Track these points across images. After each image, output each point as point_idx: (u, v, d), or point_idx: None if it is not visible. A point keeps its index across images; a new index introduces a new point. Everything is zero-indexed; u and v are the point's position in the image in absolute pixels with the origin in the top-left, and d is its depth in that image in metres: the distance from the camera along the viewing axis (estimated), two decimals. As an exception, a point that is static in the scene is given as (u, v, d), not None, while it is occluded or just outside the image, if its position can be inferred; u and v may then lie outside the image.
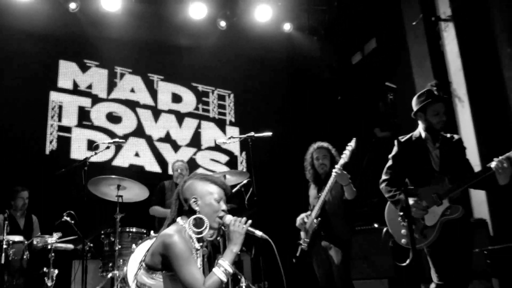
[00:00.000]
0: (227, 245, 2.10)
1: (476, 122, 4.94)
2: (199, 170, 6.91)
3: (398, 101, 2.72)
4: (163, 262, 1.99)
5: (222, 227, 2.14)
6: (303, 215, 4.32)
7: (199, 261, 2.12)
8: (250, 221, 2.13)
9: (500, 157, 2.86)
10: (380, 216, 4.79)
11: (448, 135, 3.31)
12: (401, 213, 3.17)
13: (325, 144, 4.36)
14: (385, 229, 3.44)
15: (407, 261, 3.48)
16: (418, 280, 2.50)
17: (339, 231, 4.07)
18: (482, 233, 4.37)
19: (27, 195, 4.99)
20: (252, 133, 4.99)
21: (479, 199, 4.84)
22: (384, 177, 3.35)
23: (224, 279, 2.00)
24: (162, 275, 1.98)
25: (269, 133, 4.97)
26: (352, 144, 4.03)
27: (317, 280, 4.32)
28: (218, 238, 4.21)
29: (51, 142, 6.25)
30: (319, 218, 4.13)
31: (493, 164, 2.87)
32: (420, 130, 3.29)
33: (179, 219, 2.11)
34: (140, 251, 4.25)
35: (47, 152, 6.19)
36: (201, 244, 2.12)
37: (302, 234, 4.30)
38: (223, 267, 2.01)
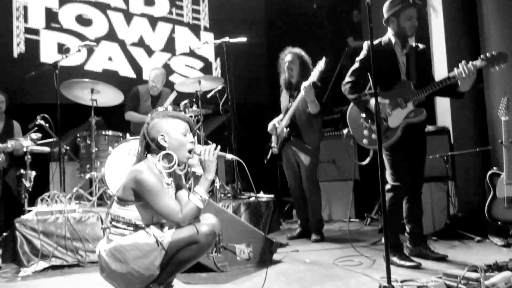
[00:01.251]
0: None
1: (447, 32, 5.00)
2: (173, 78, 6.89)
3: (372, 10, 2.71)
4: (135, 195, 2.04)
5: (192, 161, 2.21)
6: (274, 120, 4.48)
7: (172, 193, 2.17)
8: (219, 147, 2.19)
9: (466, 63, 2.96)
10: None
11: (414, 44, 3.37)
12: (364, 115, 3.31)
13: (296, 50, 4.37)
14: (345, 130, 3.58)
15: (367, 160, 3.72)
16: (382, 182, 2.70)
17: (307, 139, 4.26)
18: (444, 140, 4.61)
19: (3, 99, 4.89)
20: (226, 39, 4.97)
21: (442, 108, 5.05)
22: (348, 79, 3.39)
23: (201, 205, 2.08)
24: (135, 205, 2.05)
25: (244, 39, 4.96)
26: (321, 64, 4.08)
27: (286, 180, 4.60)
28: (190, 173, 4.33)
29: (18, 44, 6.04)
30: (288, 128, 4.30)
31: (456, 71, 2.98)
32: (390, 35, 3.32)
33: (149, 156, 2.15)
34: (117, 153, 4.38)
35: (16, 55, 6.01)
36: (171, 179, 2.18)
37: (273, 138, 4.50)
38: (199, 194, 2.08)
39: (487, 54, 2.97)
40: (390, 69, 3.24)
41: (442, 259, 3.22)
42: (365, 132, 3.30)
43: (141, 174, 2.02)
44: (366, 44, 3.35)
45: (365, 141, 3.31)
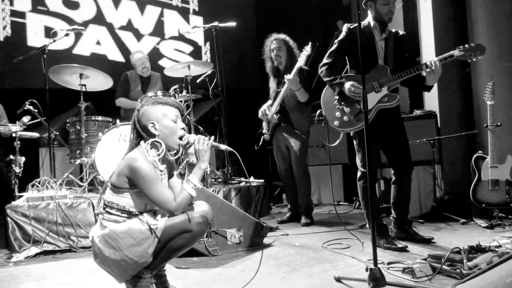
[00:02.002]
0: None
1: (436, 18, 5.02)
2: (161, 61, 6.85)
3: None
4: (130, 183, 2.05)
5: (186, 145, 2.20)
6: (264, 106, 4.50)
7: (165, 181, 2.18)
8: (213, 137, 2.20)
9: (435, 59, 3.04)
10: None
11: (394, 30, 3.39)
12: (337, 97, 3.33)
13: (282, 36, 4.35)
14: (318, 111, 3.62)
15: (336, 142, 3.78)
16: (369, 166, 2.76)
17: (297, 125, 4.29)
18: (431, 124, 4.67)
19: None
20: (216, 23, 4.93)
21: (430, 93, 5.09)
22: (325, 60, 3.39)
23: (194, 194, 2.10)
24: (129, 192, 2.06)
25: (233, 23, 4.93)
26: (307, 49, 4.08)
27: (276, 165, 4.64)
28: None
29: (4, 27, 5.94)
30: (279, 115, 4.33)
31: (427, 63, 3.05)
32: (369, 19, 3.34)
33: (142, 143, 2.15)
34: (107, 139, 4.37)
35: (2, 38, 5.92)
36: (164, 165, 2.19)
37: (264, 125, 4.52)
38: (192, 183, 2.10)
39: (466, 45, 3.03)
40: (368, 53, 3.25)
41: (428, 241, 3.29)
42: (337, 113, 3.32)
43: (136, 162, 2.02)
44: (345, 27, 3.36)
45: (336, 123, 3.34)
